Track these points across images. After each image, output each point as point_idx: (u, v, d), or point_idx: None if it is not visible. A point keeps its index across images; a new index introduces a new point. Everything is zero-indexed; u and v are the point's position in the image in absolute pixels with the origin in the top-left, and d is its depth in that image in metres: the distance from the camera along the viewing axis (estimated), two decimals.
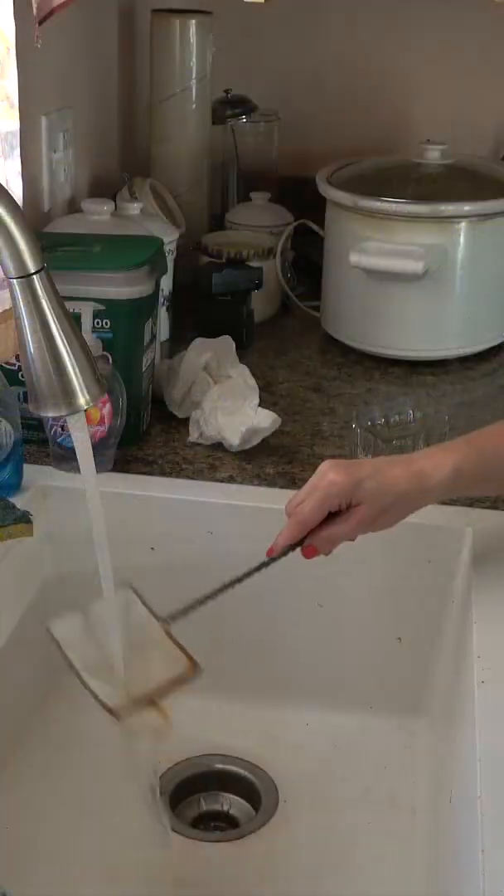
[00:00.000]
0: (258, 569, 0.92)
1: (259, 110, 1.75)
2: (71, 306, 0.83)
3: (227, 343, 1.31)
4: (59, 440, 1.14)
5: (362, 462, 0.98)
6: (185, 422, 1.26)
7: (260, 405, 1.22)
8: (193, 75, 1.64)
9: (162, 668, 0.87)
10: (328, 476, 0.90)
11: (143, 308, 1.21)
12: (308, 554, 0.93)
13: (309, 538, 0.92)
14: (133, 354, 1.21)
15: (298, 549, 0.92)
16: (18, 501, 1.07)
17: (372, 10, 1.75)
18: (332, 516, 0.91)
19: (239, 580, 0.91)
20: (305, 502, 0.91)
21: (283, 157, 1.80)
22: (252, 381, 1.25)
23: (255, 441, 1.20)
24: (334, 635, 1.12)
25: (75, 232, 1.32)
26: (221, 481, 1.16)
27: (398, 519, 0.94)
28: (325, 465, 0.92)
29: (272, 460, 1.20)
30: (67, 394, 0.78)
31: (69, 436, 1.12)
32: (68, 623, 0.89)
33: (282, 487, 1.14)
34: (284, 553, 0.92)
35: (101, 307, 1.17)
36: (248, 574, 0.91)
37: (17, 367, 1.14)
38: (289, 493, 1.14)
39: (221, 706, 1.15)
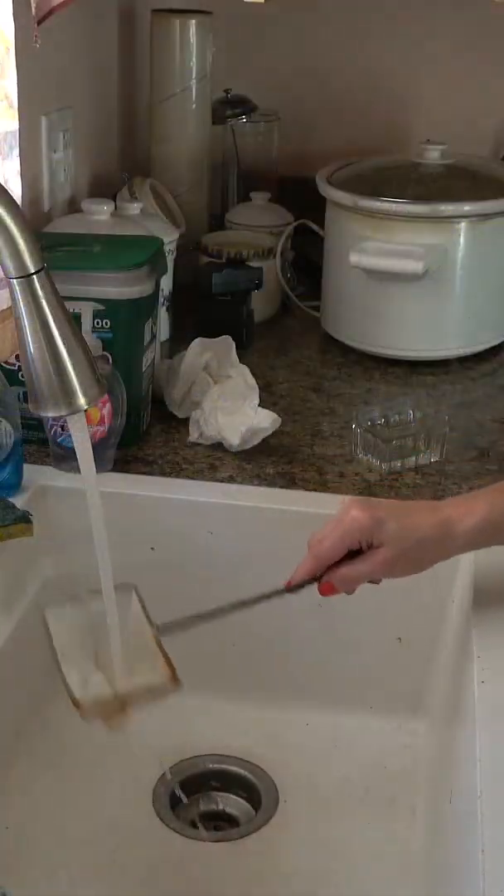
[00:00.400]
0: (269, 597, 0.90)
1: (259, 110, 1.75)
2: (71, 306, 0.83)
3: (227, 343, 1.31)
4: (59, 440, 1.14)
5: (389, 503, 0.97)
6: (185, 422, 1.26)
7: (260, 405, 1.22)
8: (193, 75, 1.64)
9: (143, 675, 0.87)
10: (351, 513, 0.89)
11: (143, 308, 1.21)
12: (325, 591, 0.91)
13: (327, 575, 0.91)
14: (133, 354, 1.21)
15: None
16: (18, 501, 1.07)
17: (372, 10, 1.75)
18: (353, 555, 0.90)
19: (246, 604, 0.90)
20: (326, 538, 0.90)
21: (283, 157, 1.80)
22: (252, 381, 1.25)
23: (255, 441, 1.20)
24: (334, 635, 1.12)
25: (75, 232, 1.32)
26: (221, 481, 1.16)
27: (421, 566, 0.91)
28: (349, 502, 0.90)
29: (272, 460, 1.20)
30: (67, 394, 0.78)
31: (69, 436, 1.13)
32: (65, 613, 0.89)
33: (282, 487, 1.14)
34: (301, 587, 0.91)
35: (101, 307, 1.17)
36: (257, 600, 0.90)
37: (17, 367, 1.14)
38: (289, 494, 1.15)
39: (221, 706, 1.15)
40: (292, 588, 0.91)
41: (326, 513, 0.94)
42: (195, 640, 1.16)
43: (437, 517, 0.90)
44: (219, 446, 1.22)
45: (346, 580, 0.91)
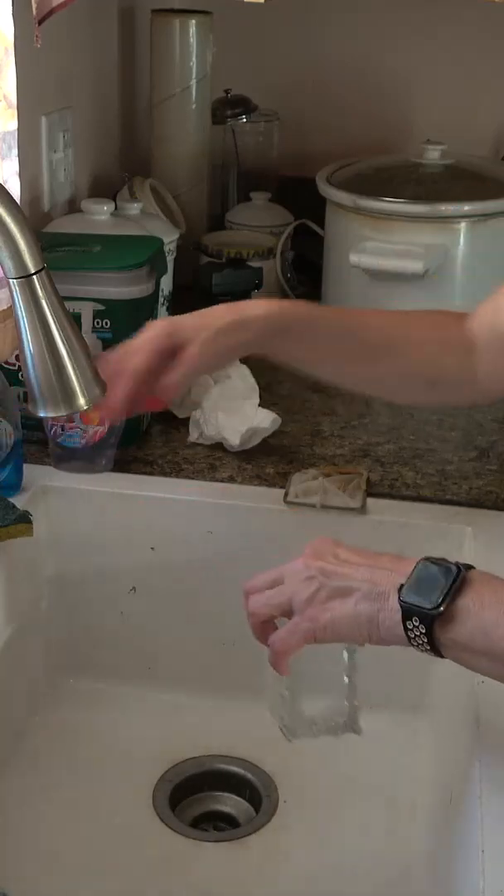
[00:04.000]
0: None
1: (259, 110, 1.75)
2: (71, 306, 0.83)
3: None
4: (59, 440, 1.14)
5: None
6: (185, 422, 1.26)
7: (260, 405, 1.22)
8: (193, 75, 1.64)
9: None
10: (148, 328, 0.95)
11: (143, 308, 1.21)
12: (152, 405, 0.96)
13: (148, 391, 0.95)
14: None
15: None
16: (18, 501, 1.07)
17: (372, 10, 1.75)
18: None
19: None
20: (132, 353, 0.94)
21: (283, 157, 1.80)
22: (252, 381, 1.25)
23: (256, 441, 1.20)
24: None
25: (75, 232, 1.32)
26: (221, 481, 1.16)
27: (224, 356, 0.98)
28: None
29: (272, 460, 1.20)
30: (67, 394, 0.78)
31: (69, 436, 1.13)
32: None
33: (281, 487, 1.14)
34: (127, 413, 0.95)
35: (101, 307, 1.17)
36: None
37: (17, 367, 1.14)
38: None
39: (222, 706, 1.15)
40: (119, 418, 0.97)
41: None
42: (195, 639, 1.17)
43: (233, 308, 0.97)
44: (219, 446, 1.22)
45: (164, 386, 0.94)
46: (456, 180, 1.49)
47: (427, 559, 0.76)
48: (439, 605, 0.73)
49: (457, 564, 0.75)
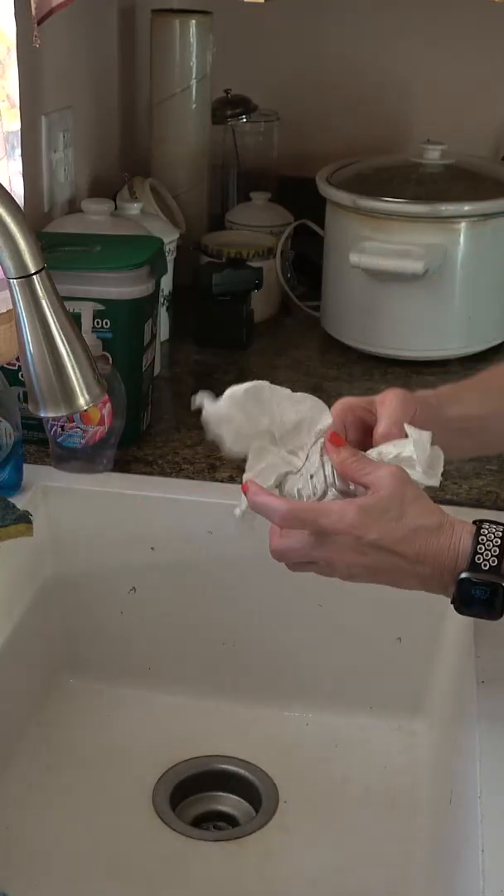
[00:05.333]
0: None
1: (259, 110, 1.75)
2: (71, 306, 0.83)
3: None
4: (59, 440, 1.14)
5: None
6: (186, 422, 1.27)
7: None
8: (193, 75, 1.64)
9: None
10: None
11: (143, 308, 1.21)
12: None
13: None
14: (133, 354, 1.21)
15: None
16: (18, 501, 1.07)
17: (372, 9, 1.75)
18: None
19: None
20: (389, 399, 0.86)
21: (283, 157, 1.80)
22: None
23: None
24: (334, 635, 1.12)
25: (75, 232, 1.32)
26: (221, 481, 1.16)
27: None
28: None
29: None
30: (67, 394, 0.78)
31: (69, 436, 1.13)
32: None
33: None
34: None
35: (101, 307, 1.17)
36: None
37: (17, 367, 1.14)
38: None
39: (221, 706, 1.15)
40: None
41: None
42: (195, 639, 1.17)
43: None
44: (217, 446, 1.22)
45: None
46: (456, 180, 1.49)
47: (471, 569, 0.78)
48: None
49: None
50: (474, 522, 0.80)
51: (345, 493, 0.82)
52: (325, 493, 0.83)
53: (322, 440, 0.85)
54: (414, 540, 0.79)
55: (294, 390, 0.91)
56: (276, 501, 0.83)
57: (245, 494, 0.85)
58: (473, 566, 0.78)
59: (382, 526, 0.78)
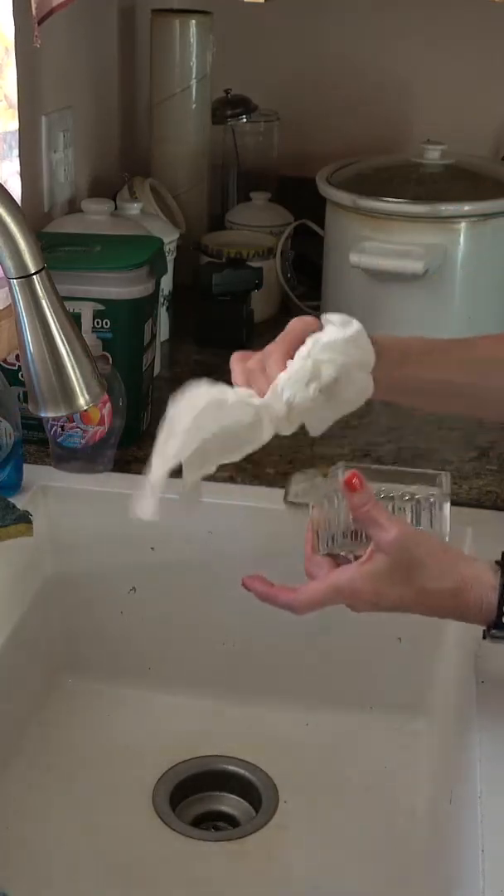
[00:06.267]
0: None
1: (259, 110, 1.75)
2: (71, 306, 0.83)
3: None
4: (59, 440, 1.14)
5: None
6: None
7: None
8: (193, 75, 1.64)
9: None
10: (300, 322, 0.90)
11: (143, 308, 1.21)
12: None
13: None
14: (133, 354, 1.21)
15: None
16: (18, 501, 1.07)
17: (372, 9, 1.75)
18: None
19: None
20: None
21: (283, 157, 1.80)
22: None
23: None
24: (334, 635, 1.12)
25: (75, 232, 1.32)
26: (221, 481, 1.16)
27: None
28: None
29: (272, 460, 1.20)
30: (67, 394, 0.78)
31: (69, 436, 1.13)
32: None
33: (281, 487, 1.14)
34: None
35: (101, 307, 1.17)
36: None
37: (17, 367, 1.14)
38: None
39: (221, 706, 1.15)
40: None
41: None
42: (195, 639, 1.17)
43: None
44: None
45: None
46: (456, 180, 1.49)
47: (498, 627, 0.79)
48: None
49: None
50: (498, 563, 0.80)
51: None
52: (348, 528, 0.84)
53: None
54: (429, 599, 0.81)
55: None
56: (286, 595, 0.86)
57: (248, 588, 0.88)
58: (501, 625, 0.79)
59: (396, 592, 0.81)
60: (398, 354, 0.91)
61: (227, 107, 1.73)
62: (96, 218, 1.37)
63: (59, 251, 1.21)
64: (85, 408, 0.80)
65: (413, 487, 0.85)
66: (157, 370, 1.35)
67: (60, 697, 1.17)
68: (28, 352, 0.77)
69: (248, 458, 1.19)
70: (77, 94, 1.56)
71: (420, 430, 1.27)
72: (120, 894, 0.96)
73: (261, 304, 1.56)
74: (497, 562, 0.80)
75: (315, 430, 0.89)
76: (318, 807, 1.05)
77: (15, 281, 0.75)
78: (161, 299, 1.37)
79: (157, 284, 1.25)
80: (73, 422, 1.12)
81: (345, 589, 0.82)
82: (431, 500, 0.84)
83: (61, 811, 1.03)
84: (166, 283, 1.46)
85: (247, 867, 0.99)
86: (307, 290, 1.65)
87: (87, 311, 1.16)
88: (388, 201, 1.42)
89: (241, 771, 1.09)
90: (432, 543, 0.82)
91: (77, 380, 0.78)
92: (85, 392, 0.79)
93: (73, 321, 0.78)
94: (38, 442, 1.18)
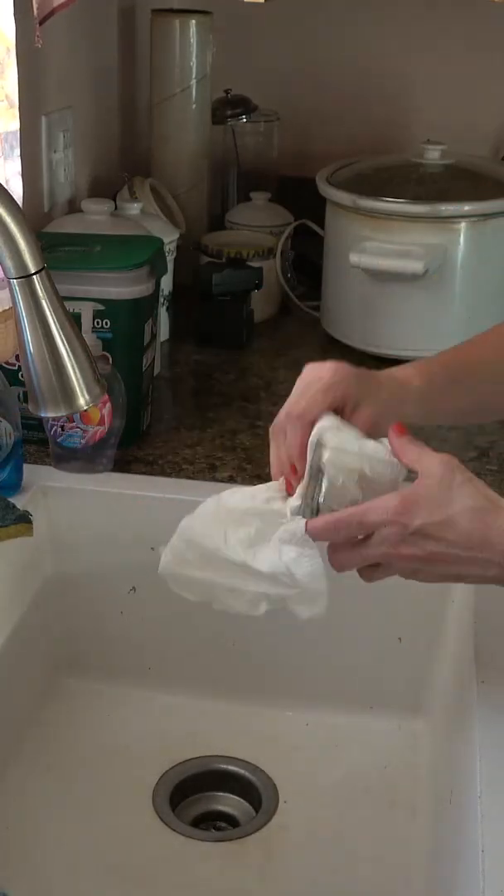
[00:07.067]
0: None
1: (259, 110, 1.75)
2: (71, 306, 0.83)
3: None
4: (59, 440, 1.14)
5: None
6: (186, 422, 1.26)
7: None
8: (193, 75, 1.64)
9: None
10: (327, 366, 0.87)
11: (143, 308, 1.21)
12: None
13: None
14: (133, 354, 1.21)
15: None
16: (18, 501, 1.07)
17: (372, 10, 1.75)
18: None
19: None
20: (303, 398, 0.85)
21: (283, 157, 1.80)
22: None
23: None
24: (334, 635, 1.12)
25: (75, 232, 1.32)
26: (221, 481, 1.16)
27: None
28: (308, 367, 0.88)
29: None
30: (67, 394, 0.78)
31: (69, 436, 1.13)
32: None
33: None
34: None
35: (101, 307, 1.17)
36: None
37: (17, 367, 1.14)
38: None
39: (221, 706, 1.15)
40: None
41: None
42: (195, 639, 1.17)
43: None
44: (219, 446, 1.22)
45: None
46: (456, 180, 1.49)
47: None
48: None
49: None
50: None
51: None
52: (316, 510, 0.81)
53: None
54: (458, 523, 0.76)
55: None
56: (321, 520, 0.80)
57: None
58: None
59: (424, 512, 0.76)
60: (425, 388, 0.92)
61: (227, 107, 1.73)
62: (96, 218, 1.37)
63: (59, 251, 1.21)
64: (85, 408, 0.80)
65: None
66: (157, 370, 1.35)
67: (60, 697, 1.17)
68: (28, 352, 0.77)
69: (248, 459, 1.20)
70: (77, 94, 1.56)
71: (420, 430, 1.27)
72: (120, 894, 0.96)
73: (261, 304, 1.56)
74: None
75: None
76: (318, 807, 1.05)
77: (15, 281, 0.75)
78: (161, 299, 1.37)
79: (157, 284, 1.25)
80: (73, 422, 1.12)
81: (377, 507, 0.77)
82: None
83: (61, 811, 1.03)
84: (166, 283, 1.46)
85: (247, 867, 0.99)
86: (307, 290, 1.65)
87: (87, 311, 1.16)
88: (388, 201, 1.42)
89: (241, 771, 1.09)
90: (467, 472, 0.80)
91: (77, 380, 0.78)
92: (85, 392, 0.79)
93: (73, 321, 0.78)
94: (38, 442, 1.18)
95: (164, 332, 1.49)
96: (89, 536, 1.15)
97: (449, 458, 0.80)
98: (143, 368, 1.24)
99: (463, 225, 1.42)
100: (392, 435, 0.82)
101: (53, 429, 1.14)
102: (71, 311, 0.79)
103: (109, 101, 1.71)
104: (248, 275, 1.51)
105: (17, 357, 1.14)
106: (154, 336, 1.28)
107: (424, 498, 0.77)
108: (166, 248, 1.41)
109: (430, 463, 0.79)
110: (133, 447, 1.21)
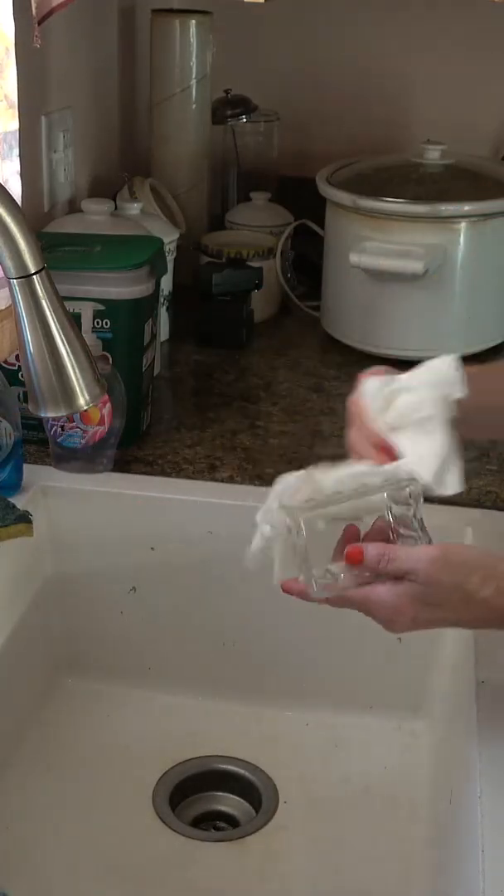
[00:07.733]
0: None
1: (259, 110, 1.75)
2: (71, 306, 0.83)
3: None
4: (59, 440, 1.14)
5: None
6: (186, 422, 1.26)
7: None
8: (193, 75, 1.64)
9: None
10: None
11: (143, 308, 1.21)
12: None
13: None
14: (133, 354, 1.21)
15: None
16: (18, 501, 1.07)
17: (372, 10, 1.75)
18: None
19: None
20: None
21: (283, 157, 1.80)
22: None
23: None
24: (334, 635, 1.12)
25: (75, 232, 1.32)
26: (221, 481, 1.16)
27: None
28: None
29: (272, 460, 1.20)
30: (67, 394, 0.78)
31: (69, 436, 1.13)
32: None
33: None
34: None
35: (101, 307, 1.17)
36: None
37: (17, 367, 1.14)
38: None
39: (221, 706, 1.15)
40: None
41: None
42: (195, 639, 1.17)
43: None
44: (218, 446, 1.22)
45: None
46: (456, 180, 1.49)
47: None
48: None
49: None
50: None
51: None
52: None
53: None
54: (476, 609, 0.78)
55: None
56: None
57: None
58: None
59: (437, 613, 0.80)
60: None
61: (227, 107, 1.73)
62: (96, 218, 1.37)
63: (59, 251, 1.21)
64: (85, 408, 0.80)
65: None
66: (157, 370, 1.35)
67: (60, 697, 1.17)
68: (28, 352, 0.77)
69: (248, 458, 1.20)
70: (77, 94, 1.56)
71: None
72: (120, 894, 0.96)
73: (261, 304, 1.56)
74: None
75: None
76: (318, 807, 1.05)
77: (15, 281, 0.75)
78: (161, 299, 1.37)
79: (157, 284, 1.26)
80: (73, 422, 1.12)
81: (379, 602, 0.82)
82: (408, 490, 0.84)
83: (61, 811, 1.03)
84: (166, 283, 1.46)
85: (247, 867, 0.99)
86: (307, 290, 1.65)
87: (87, 311, 1.16)
88: (388, 201, 1.42)
89: (241, 771, 1.09)
90: (467, 554, 0.82)
91: (77, 380, 0.78)
92: (85, 392, 0.79)
93: (73, 321, 0.78)
94: (38, 442, 1.18)
95: (164, 332, 1.49)
96: (89, 536, 1.15)
97: (435, 552, 0.81)
98: (143, 368, 1.24)
99: (463, 225, 1.42)
100: (351, 562, 0.84)
101: (53, 429, 1.14)
102: (71, 311, 0.79)
103: (109, 101, 1.71)
104: (248, 275, 1.51)
105: (17, 357, 1.14)
106: (154, 336, 1.28)
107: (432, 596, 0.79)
108: (166, 248, 1.41)
109: (417, 561, 0.80)
110: (133, 447, 1.21)
